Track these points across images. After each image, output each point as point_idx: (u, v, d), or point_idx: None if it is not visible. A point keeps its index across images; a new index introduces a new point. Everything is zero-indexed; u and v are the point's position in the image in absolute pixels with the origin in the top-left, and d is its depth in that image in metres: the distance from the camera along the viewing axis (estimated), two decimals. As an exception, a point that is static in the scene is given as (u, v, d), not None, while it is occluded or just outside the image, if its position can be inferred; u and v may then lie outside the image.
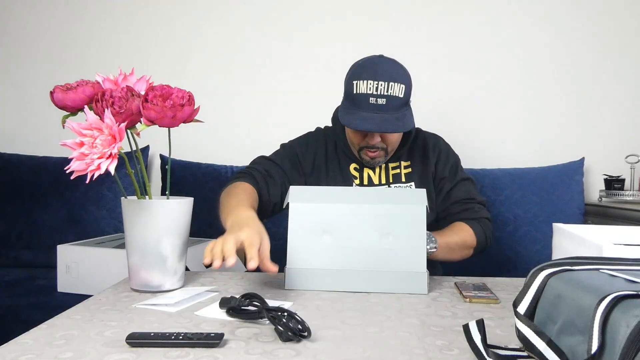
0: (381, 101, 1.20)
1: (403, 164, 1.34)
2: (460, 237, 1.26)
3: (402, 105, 1.23)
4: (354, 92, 1.22)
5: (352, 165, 1.33)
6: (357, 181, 1.32)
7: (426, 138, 1.39)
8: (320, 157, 1.34)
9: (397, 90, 1.22)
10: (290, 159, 1.33)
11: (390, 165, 1.33)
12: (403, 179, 1.32)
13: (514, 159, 2.00)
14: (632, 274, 0.57)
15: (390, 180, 1.32)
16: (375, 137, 1.25)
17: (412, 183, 1.32)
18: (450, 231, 1.26)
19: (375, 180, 1.31)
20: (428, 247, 1.14)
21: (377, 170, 1.32)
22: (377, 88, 1.21)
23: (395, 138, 1.28)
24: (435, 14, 2.08)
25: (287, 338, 0.69)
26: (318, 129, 1.42)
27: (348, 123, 1.24)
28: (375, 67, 1.22)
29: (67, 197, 1.90)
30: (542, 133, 2.07)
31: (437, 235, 1.20)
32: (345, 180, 1.32)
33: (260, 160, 1.32)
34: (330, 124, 1.41)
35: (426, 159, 1.35)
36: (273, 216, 1.30)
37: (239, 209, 1.04)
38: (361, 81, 1.22)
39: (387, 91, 1.21)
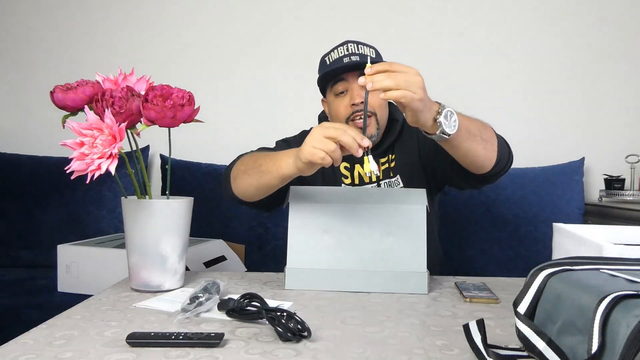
0: (355, 58, 1.21)
1: (391, 157, 1.31)
2: (478, 123, 1.03)
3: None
4: (327, 63, 1.25)
5: (343, 164, 1.31)
6: (347, 180, 1.30)
7: (411, 127, 1.36)
8: None
9: (368, 51, 1.25)
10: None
11: (381, 160, 1.31)
12: (391, 174, 1.29)
13: (513, 159, 2.00)
14: (632, 273, 0.57)
15: (381, 177, 1.29)
16: (357, 93, 1.20)
17: (398, 176, 1.29)
18: (466, 116, 1.01)
19: (366, 179, 1.29)
20: (442, 125, 0.91)
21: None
22: (347, 49, 1.23)
23: (379, 99, 1.25)
24: (435, 12, 2.08)
25: (286, 338, 0.69)
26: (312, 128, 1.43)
27: (324, 72, 1.23)
28: (341, 43, 1.27)
29: (67, 197, 1.90)
30: (542, 133, 2.07)
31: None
32: (336, 179, 1.31)
33: (259, 150, 1.30)
34: None
35: (406, 145, 1.31)
36: (273, 209, 1.27)
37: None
38: (331, 53, 1.26)
39: (358, 50, 1.23)
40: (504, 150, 1.11)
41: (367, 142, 0.88)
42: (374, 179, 1.29)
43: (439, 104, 0.93)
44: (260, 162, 1.06)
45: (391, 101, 1.37)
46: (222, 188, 1.21)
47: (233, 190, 1.15)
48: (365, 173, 0.89)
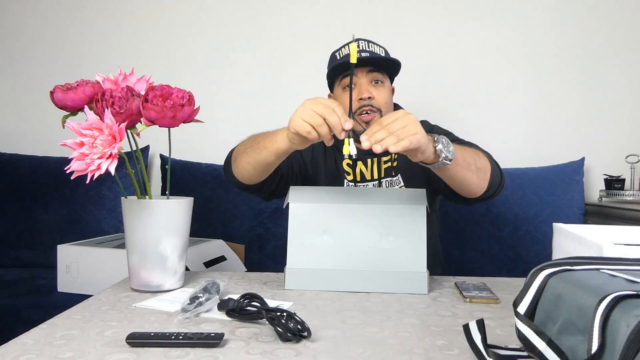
0: (364, 54, 1.24)
1: (393, 156, 1.32)
2: (472, 152, 1.07)
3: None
4: (337, 58, 1.28)
5: (345, 161, 1.32)
6: (349, 177, 1.31)
7: None
8: (318, 149, 1.35)
9: (378, 50, 1.28)
10: None
11: (383, 159, 1.31)
12: (393, 173, 1.31)
13: (514, 159, 2.00)
14: (632, 274, 0.57)
15: (382, 175, 1.30)
16: (366, 88, 1.23)
17: (399, 175, 1.30)
18: (460, 146, 1.07)
19: (368, 176, 1.30)
20: (443, 152, 0.95)
21: (369, 164, 1.31)
22: (357, 45, 1.25)
23: (386, 96, 1.27)
24: (435, 11, 2.08)
25: (286, 339, 0.69)
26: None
27: (334, 65, 1.25)
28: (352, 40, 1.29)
29: (67, 197, 1.90)
30: (542, 133, 2.06)
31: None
32: (339, 175, 1.32)
33: None
34: None
35: None
36: (272, 198, 1.27)
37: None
38: (342, 48, 1.29)
39: (368, 48, 1.27)
40: (496, 178, 1.14)
41: (349, 125, 0.90)
42: (352, 175, 1.31)
43: (431, 134, 0.96)
44: (259, 140, 1.08)
45: (396, 102, 1.39)
46: (224, 172, 1.23)
47: (233, 172, 1.17)
48: (344, 155, 0.91)
